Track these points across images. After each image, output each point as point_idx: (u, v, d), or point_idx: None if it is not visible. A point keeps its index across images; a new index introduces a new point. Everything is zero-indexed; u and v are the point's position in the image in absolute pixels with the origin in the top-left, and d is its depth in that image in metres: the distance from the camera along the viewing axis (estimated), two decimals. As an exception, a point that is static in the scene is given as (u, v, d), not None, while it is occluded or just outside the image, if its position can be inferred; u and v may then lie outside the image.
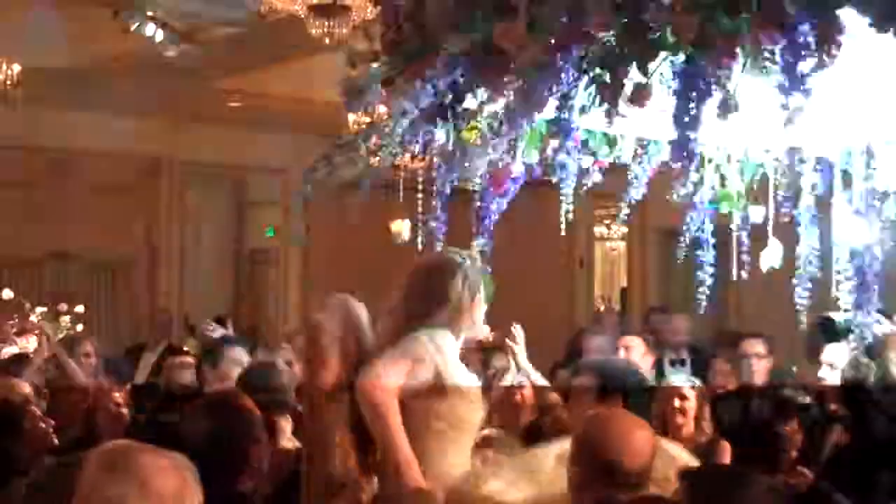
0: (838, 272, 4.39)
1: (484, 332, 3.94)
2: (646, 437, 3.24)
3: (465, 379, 3.75)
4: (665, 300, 13.22)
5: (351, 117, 11.45)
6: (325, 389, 3.64)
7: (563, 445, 3.49)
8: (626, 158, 4.40)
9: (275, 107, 12.99)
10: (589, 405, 4.14)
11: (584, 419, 3.43)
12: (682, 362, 7.49)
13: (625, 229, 19.85)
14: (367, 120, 11.33)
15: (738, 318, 12.09)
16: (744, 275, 4.73)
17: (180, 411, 4.40)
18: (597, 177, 4.34)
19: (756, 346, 6.63)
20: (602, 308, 16.34)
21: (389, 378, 3.58)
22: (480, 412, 3.81)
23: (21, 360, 6.98)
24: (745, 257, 4.74)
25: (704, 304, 4.31)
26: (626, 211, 4.58)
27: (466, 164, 3.45)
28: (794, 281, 4.46)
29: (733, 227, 4.70)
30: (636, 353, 6.18)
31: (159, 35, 9.59)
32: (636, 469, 3.13)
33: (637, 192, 4.41)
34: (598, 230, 17.43)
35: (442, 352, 3.67)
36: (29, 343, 8.41)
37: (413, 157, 3.85)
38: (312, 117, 12.80)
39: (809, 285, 4.47)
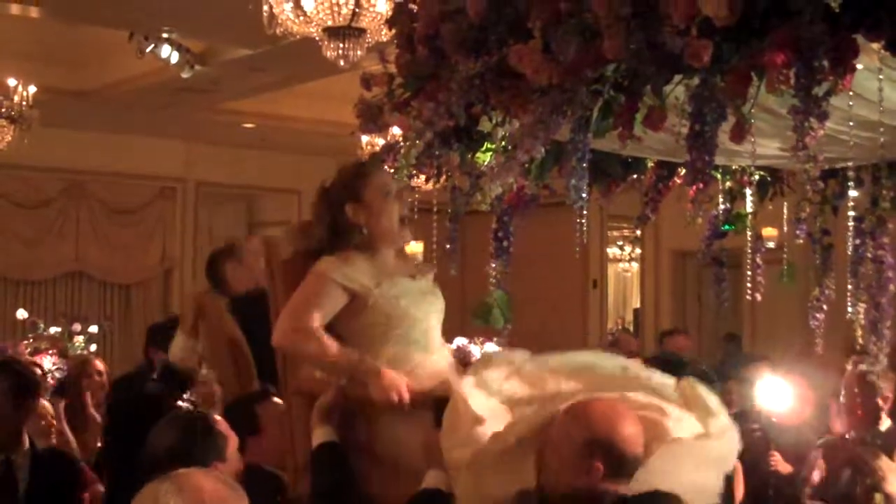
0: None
1: (406, 239, 3.79)
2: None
3: (386, 285, 3.64)
4: (679, 322, 13.21)
5: (364, 139, 11.53)
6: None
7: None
8: (640, 180, 4.39)
9: (288, 128, 13.04)
10: None
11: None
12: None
13: (638, 250, 19.91)
14: (381, 142, 11.42)
15: (752, 341, 12.08)
16: (758, 297, 4.70)
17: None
18: (612, 200, 4.34)
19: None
20: (617, 329, 16.32)
21: (301, 315, 3.52)
22: (423, 302, 3.71)
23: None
24: (759, 279, 4.71)
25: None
26: (638, 232, 4.58)
27: (482, 187, 3.45)
28: (809, 305, 4.44)
29: (747, 249, 4.68)
30: None
31: (175, 57, 9.65)
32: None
33: (652, 215, 4.40)
34: (611, 251, 17.44)
35: (340, 270, 3.58)
36: (44, 362, 8.42)
37: (427, 180, 3.84)
38: (325, 138, 12.86)
39: (825, 307, 4.45)
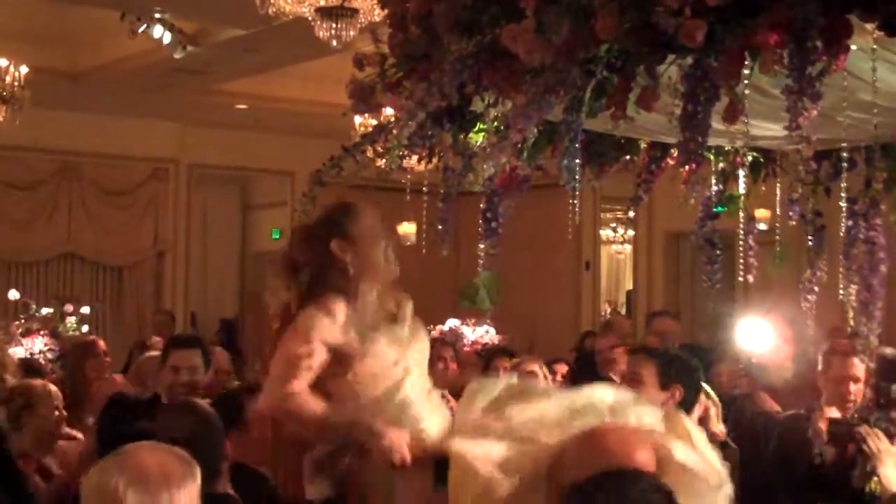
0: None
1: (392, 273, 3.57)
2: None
3: (373, 339, 3.46)
4: (672, 304, 13.22)
5: (358, 119, 11.51)
6: None
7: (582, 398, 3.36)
8: (634, 161, 4.39)
9: (281, 109, 13.00)
10: (650, 391, 4.17)
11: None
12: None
13: (631, 232, 19.91)
14: (374, 122, 11.40)
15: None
16: (750, 279, 4.70)
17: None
18: (604, 180, 4.34)
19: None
20: (609, 311, 16.34)
21: (288, 386, 3.36)
22: (408, 353, 3.52)
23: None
24: (752, 261, 4.71)
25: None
26: (632, 213, 4.59)
27: (474, 167, 3.44)
28: (801, 286, 4.44)
29: (740, 230, 4.68)
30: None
31: (167, 37, 9.61)
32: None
33: (645, 195, 4.40)
34: (604, 233, 17.43)
35: (324, 328, 3.40)
36: (35, 344, 8.43)
37: (419, 160, 3.84)
38: (319, 119, 12.82)
39: (816, 289, 4.45)
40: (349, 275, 3.46)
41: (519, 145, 3.44)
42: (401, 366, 3.45)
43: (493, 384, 3.48)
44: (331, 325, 3.39)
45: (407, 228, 8.91)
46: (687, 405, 4.26)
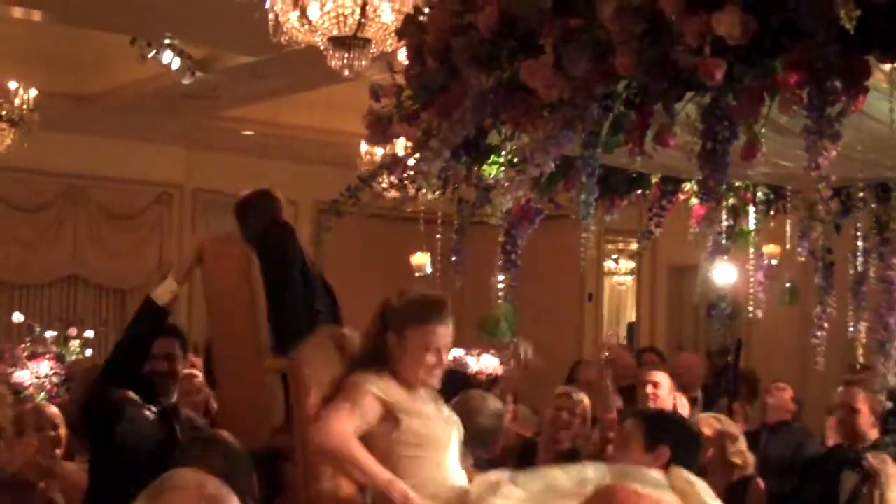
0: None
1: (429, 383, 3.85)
2: None
3: (419, 404, 3.77)
4: (674, 337, 13.23)
5: (363, 147, 11.54)
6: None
7: (583, 470, 3.58)
8: (646, 196, 4.41)
9: (287, 136, 13.05)
10: (636, 453, 4.25)
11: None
12: (695, 401, 7.47)
13: (632, 264, 19.91)
14: (380, 151, 11.44)
15: (746, 357, 12.08)
16: (759, 314, 4.72)
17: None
18: (615, 214, 4.35)
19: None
20: (610, 345, 16.31)
21: (340, 426, 3.59)
22: (449, 428, 3.82)
23: None
24: (761, 296, 4.73)
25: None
26: (641, 246, 4.62)
27: (492, 200, 3.46)
28: (814, 320, 4.44)
29: (749, 266, 4.70)
30: (664, 390, 6.16)
31: (176, 63, 9.65)
32: None
33: (657, 230, 4.42)
34: (606, 265, 17.45)
35: (378, 385, 3.69)
36: (41, 367, 8.41)
37: (434, 192, 3.85)
38: (323, 147, 12.88)
39: (826, 325, 4.46)
40: (394, 364, 3.77)
41: (537, 178, 3.46)
42: (441, 436, 3.72)
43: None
44: (382, 384, 3.67)
45: (420, 259, 8.92)
46: (681, 464, 4.25)
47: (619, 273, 20.20)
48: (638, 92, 2.91)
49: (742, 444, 5.42)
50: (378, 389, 3.65)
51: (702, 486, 3.62)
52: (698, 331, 13.43)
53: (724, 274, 5.25)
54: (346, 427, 3.57)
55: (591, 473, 3.56)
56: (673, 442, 4.33)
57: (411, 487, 3.57)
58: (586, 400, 6.11)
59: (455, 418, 3.87)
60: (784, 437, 6.52)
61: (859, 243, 4.02)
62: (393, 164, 3.62)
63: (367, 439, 3.63)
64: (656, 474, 3.62)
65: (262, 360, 4.63)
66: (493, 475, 3.73)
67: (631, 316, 19.08)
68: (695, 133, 2.82)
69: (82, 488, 4.98)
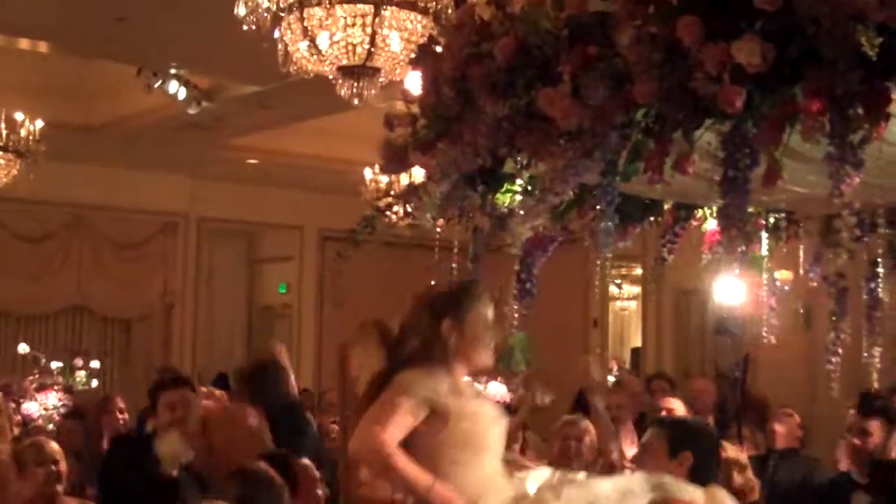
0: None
1: (488, 362, 3.82)
2: None
3: (466, 405, 3.69)
4: (680, 362, 13.20)
5: (368, 175, 11.56)
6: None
7: (628, 483, 3.61)
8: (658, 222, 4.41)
9: (291, 164, 13.08)
10: (660, 460, 4.24)
11: None
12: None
13: (635, 289, 19.90)
14: (385, 179, 11.45)
15: (752, 381, 12.06)
16: (773, 340, 4.71)
17: None
18: (629, 241, 4.35)
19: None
20: (617, 369, 16.29)
21: (382, 433, 3.52)
22: (495, 429, 3.74)
23: None
24: (773, 322, 4.72)
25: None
26: (655, 273, 4.62)
27: (511, 230, 3.46)
28: (828, 346, 4.44)
29: (763, 291, 4.69)
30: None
31: (182, 93, 9.69)
32: None
33: (669, 256, 4.42)
34: (609, 290, 17.45)
35: (425, 387, 3.61)
36: (49, 399, 8.40)
37: (448, 220, 3.86)
38: (328, 175, 12.91)
39: (840, 351, 4.46)
40: (449, 354, 3.68)
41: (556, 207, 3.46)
42: (488, 436, 3.65)
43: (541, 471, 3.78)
44: (432, 385, 3.59)
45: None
46: (703, 471, 4.27)
47: (623, 298, 20.20)
48: (657, 120, 2.91)
49: (749, 472, 5.42)
50: (428, 391, 3.59)
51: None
52: (705, 355, 13.39)
53: (732, 294, 5.25)
54: (388, 433, 3.51)
55: (637, 486, 3.55)
56: (695, 448, 4.35)
57: (455, 488, 3.53)
58: (591, 428, 6.10)
59: (501, 414, 3.80)
60: (792, 465, 6.50)
61: (880, 270, 4.00)
62: (409, 193, 3.62)
63: (412, 438, 3.57)
64: (695, 491, 3.61)
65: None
66: (539, 473, 3.75)
67: (634, 341, 19.08)
68: (713, 160, 2.83)
69: None
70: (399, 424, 3.53)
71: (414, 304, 3.80)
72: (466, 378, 3.85)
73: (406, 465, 3.51)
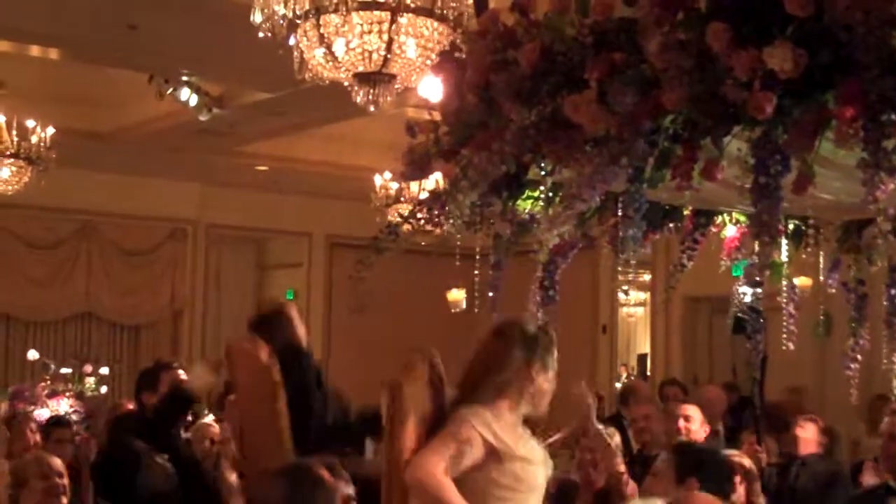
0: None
1: (545, 410, 3.90)
2: None
3: (521, 447, 3.76)
4: (689, 369, 13.17)
5: (378, 181, 11.55)
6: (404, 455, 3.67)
7: None
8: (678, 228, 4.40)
9: (300, 170, 13.08)
10: (667, 485, 4.31)
11: None
12: (717, 433, 7.43)
13: (642, 295, 19.88)
14: (395, 185, 11.43)
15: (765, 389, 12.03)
16: (791, 346, 4.70)
17: None
18: (648, 248, 4.34)
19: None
20: (626, 376, 16.29)
21: (438, 465, 3.59)
22: (542, 471, 3.83)
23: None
24: (792, 328, 4.71)
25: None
26: (673, 280, 4.62)
27: (539, 238, 3.45)
28: (847, 352, 4.43)
29: (782, 297, 4.68)
30: (695, 424, 6.13)
31: (193, 100, 9.69)
32: None
33: (690, 263, 4.41)
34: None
35: (488, 426, 3.68)
36: (60, 405, 8.40)
37: (469, 227, 3.84)
38: (337, 181, 12.90)
39: (860, 357, 4.45)
40: (524, 394, 3.76)
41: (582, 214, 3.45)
42: (537, 480, 3.76)
43: None
44: (495, 426, 3.67)
45: (456, 295, 8.85)
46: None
47: (630, 304, 20.19)
48: (685, 126, 2.90)
49: (757, 486, 5.41)
50: (486, 430, 3.65)
51: None
52: (713, 362, 13.37)
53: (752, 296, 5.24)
54: (441, 466, 3.57)
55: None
56: (701, 474, 4.40)
57: None
58: (616, 436, 6.06)
59: (548, 458, 3.90)
60: (814, 470, 6.46)
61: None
62: (432, 200, 3.60)
63: (464, 472, 3.63)
64: None
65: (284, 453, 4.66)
66: None
67: (641, 347, 19.05)
68: (740, 166, 2.81)
69: None
70: (456, 458, 3.60)
71: (499, 336, 3.82)
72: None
73: (456, 498, 3.56)
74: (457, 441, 3.63)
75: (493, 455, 3.67)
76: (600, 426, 5.81)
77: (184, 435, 6.05)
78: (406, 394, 3.72)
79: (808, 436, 6.57)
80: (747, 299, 4.75)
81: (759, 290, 4.63)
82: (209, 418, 7.17)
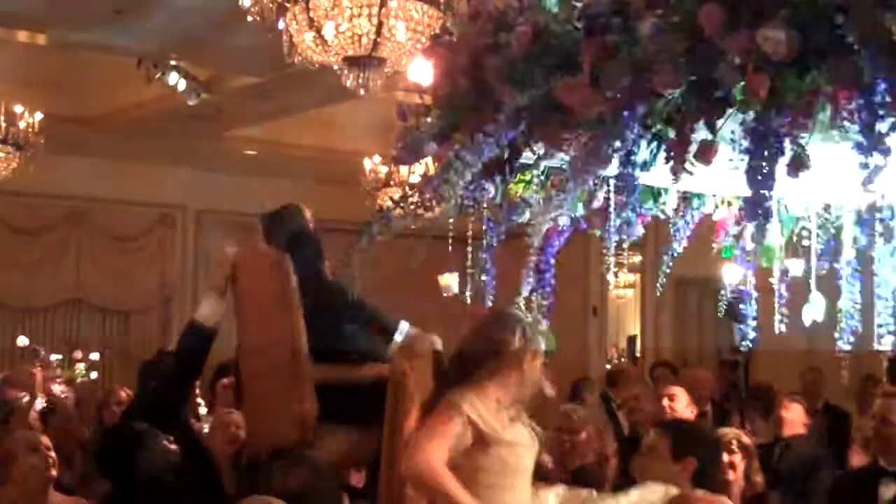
0: (880, 325, 4.38)
1: (548, 390, 3.92)
2: None
3: (508, 431, 3.77)
4: (679, 351, 13.19)
5: (368, 165, 11.52)
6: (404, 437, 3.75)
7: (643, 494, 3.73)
8: (668, 211, 4.41)
9: (289, 155, 13.03)
10: (663, 464, 4.28)
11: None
12: (704, 415, 7.47)
13: (632, 277, 19.89)
14: (384, 168, 11.41)
15: (753, 368, 12.07)
16: (783, 328, 4.71)
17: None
18: (640, 230, 4.34)
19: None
20: (616, 357, 16.31)
21: (434, 454, 3.61)
22: (531, 456, 3.84)
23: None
24: (784, 310, 4.72)
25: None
26: (665, 262, 4.63)
27: (531, 222, 3.45)
28: (837, 334, 4.44)
29: (774, 280, 4.69)
30: (680, 404, 6.15)
31: (182, 84, 9.65)
32: None
33: (679, 246, 4.42)
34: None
35: (477, 410, 3.69)
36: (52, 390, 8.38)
37: (461, 210, 3.84)
38: (326, 165, 12.86)
39: (852, 339, 4.46)
40: (513, 375, 3.76)
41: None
42: (524, 464, 3.79)
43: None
44: (481, 408, 3.67)
45: (448, 279, 8.83)
46: (706, 476, 4.30)
47: (619, 286, 20.17)
48: (678, 109, 2.90)
49: (756, 463, 5.41)
50: (475, 414, 3.66)
51: None
52: (703, 343, 13.40)
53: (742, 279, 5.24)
54: (436, 455, 3.58)
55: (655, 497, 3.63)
56: (699, 453, 4.37)
57: None
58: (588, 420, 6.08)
59: (537, 438, 3.90)
60: (797, 452, 6.48)
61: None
62: (425, 184, 3.59)
63: (452, 459, 3.64)
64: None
65: (300, 365, 4.62)
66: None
67: (631, 329, 19.06)
68: (741, 150, 2.80)
69: None
70: (446, 446, 3.61)
71: (491, 322, 3.85)
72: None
73: (455, 486, 3.58)
74: (445, 427, 3.64)
75: (481, 440, 3.69)
76: (569, 405, 5.86)
77: (205, 429, 6.03)
78: (409, 389, 3.76)
79: (793, 417, 6.59)
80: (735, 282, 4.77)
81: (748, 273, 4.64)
82: (203, 410, 7.16)
